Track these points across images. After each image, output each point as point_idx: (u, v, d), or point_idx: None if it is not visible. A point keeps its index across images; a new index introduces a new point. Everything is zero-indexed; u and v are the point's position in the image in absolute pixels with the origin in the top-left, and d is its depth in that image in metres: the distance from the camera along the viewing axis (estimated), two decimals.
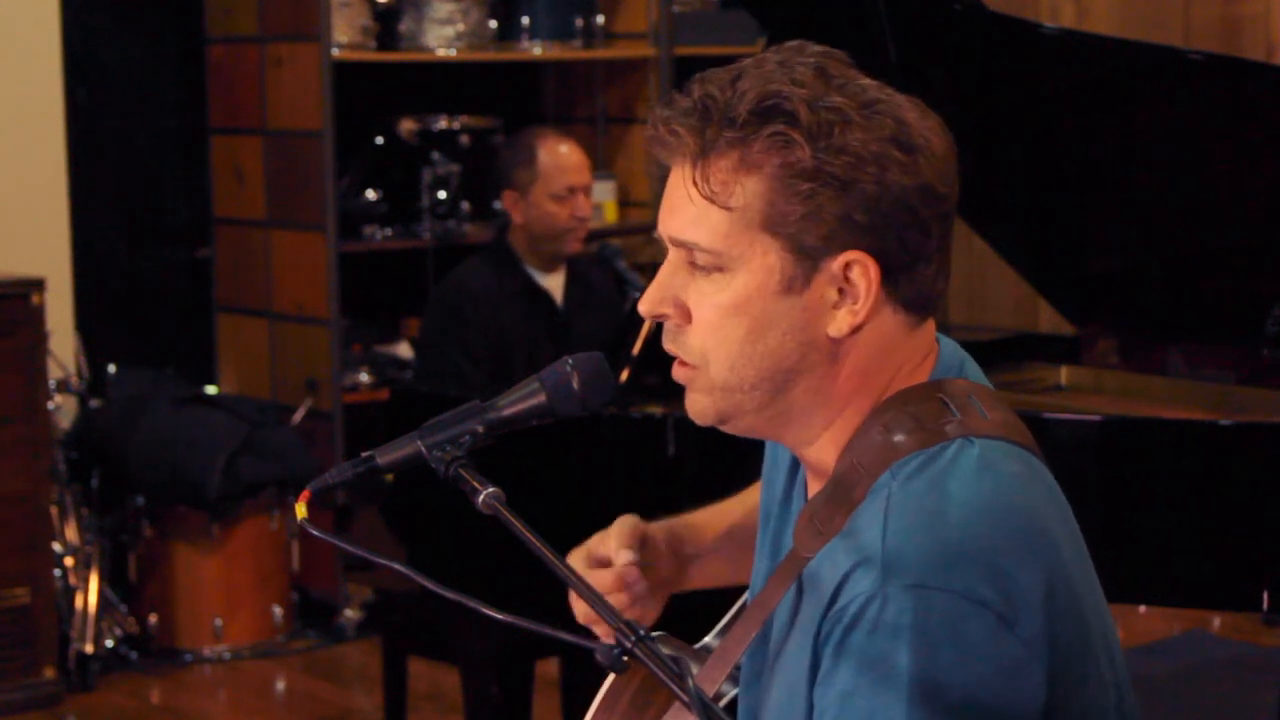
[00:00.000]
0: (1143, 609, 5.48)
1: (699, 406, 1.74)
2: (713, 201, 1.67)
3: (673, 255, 1.72)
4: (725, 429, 1.75)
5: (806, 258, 1.66)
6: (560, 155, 4.68)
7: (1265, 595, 3.20)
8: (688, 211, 1.69)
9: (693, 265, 1.70)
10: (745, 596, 1.97)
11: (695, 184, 1.67)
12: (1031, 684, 1.60)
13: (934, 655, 1.57)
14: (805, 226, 1.65)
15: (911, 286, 1.69)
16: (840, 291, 1.67)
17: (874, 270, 1.66)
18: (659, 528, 2.08)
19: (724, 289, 1.68)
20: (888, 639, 1.58)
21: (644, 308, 1.74)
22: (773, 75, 1.67)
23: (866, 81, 1.69)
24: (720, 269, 1.68)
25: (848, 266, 1.66)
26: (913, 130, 1.67)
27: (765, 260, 1.67)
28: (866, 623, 1.59)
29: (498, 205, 4.75)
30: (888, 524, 1.62)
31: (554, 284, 4.69)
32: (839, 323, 1.68)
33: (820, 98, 1.65)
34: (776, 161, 1.65)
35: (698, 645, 2.01)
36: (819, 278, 1.67)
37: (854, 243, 1.66)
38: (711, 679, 1.77)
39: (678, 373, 1.74)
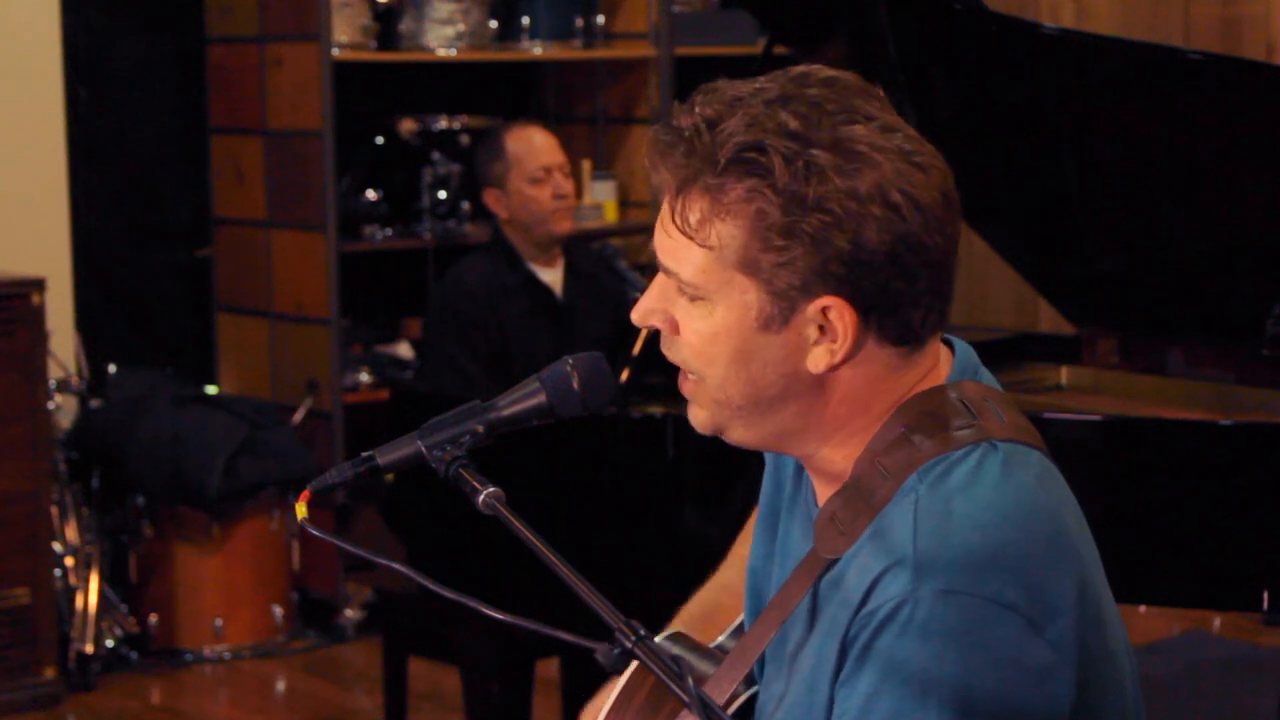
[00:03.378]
0: (1143, 609, 5.48)
1: (698, 418, 1.76)
2: (691, 238, 1.67)
3: (662, 273, 1.74)
4: (725, 439, 1.76)
5: (784, 299, 1.66)
6: (528, 140, 4.69)
7: (1265, 595, 3.20)
8: (668, 242, 1.70)
9: (678, 288, 1.71)
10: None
11: (674, 219, 1.68)
12: (1060, 688, 1.61)
13: (962, 660, 1.58)
14: (780, 274, 1.65)
15: (897, 327, 1.69)
16: (821, 329, 1.67)
17: (850, 315, 1.66)
18: None
19: (705, 318, 1.70)
20: (916, 642, 1.59)
21: (635, 316, 1.76)
22: (760, 118, 1.64)
23: (858, 129, 1.65)
24: (701, 299, 1.69)
25: (825, 310, 1.66)
26: (895, 185, 1.64)
27: (744, 298, 1.67)
28: (896, 625, 1.60)
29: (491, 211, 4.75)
30: (918, 527, 1.63)
31: (553, 277, 4.69)
32: (817, 360, 1.68)
33: (802, 150, 1.63)
34: (750, 211, 1.64)
35: (712, 645, 2.01)
36: (797, 318, 1.67)
37: (830, 289, 1.65)
38: (731, 678, 1.77)
39: (683, 386, 1.76)
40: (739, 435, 1.74)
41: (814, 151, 1.63)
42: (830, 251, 1.63)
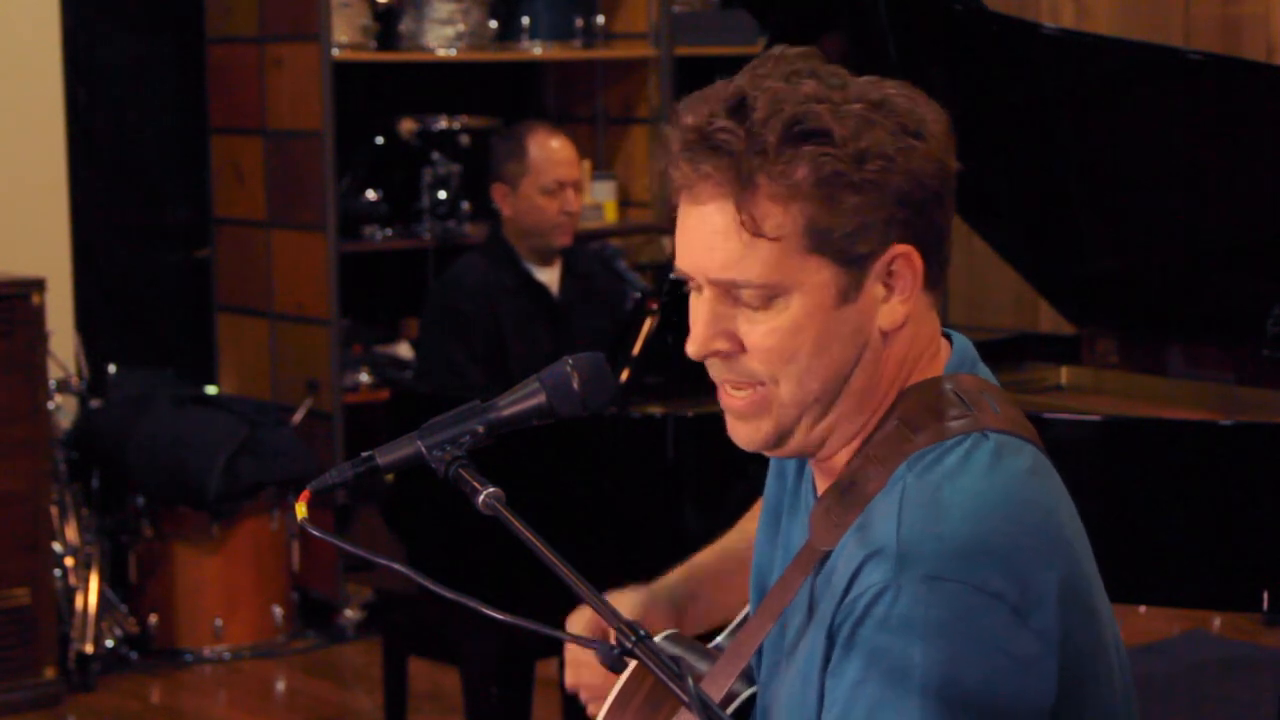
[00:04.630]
0: (1143, 609, 5.48)
1: (761, 431, 1.72)
2: (758, 235, 1.65)
3: (709, 292, 1.70)
4: (775, 453, 1.75)
5: (856, 266, 1.67)
6: (550, 149, 4.69)
7: (1265, 595, 3.20)
8: (728, 250, 1.67)
9: (737, 298, 1.69)
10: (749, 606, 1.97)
11: (742, 223, 1.65)
12: (1043, 678, 1.61)
13: (945, 647, 1.58)
14: (853, 238, 1.66)
15: (937, 266, 1.73)
16: (885, 285, 1.69)
17: (917, 259, 1.69)
18: (640, 600, 2.04)
19: (780, 314, 1.68)
20: (899, 630, 1.59)
21: (694, 350, 1.71)
22: (783, 95, 1.65)
23: (859, 78, 1.71)
24: (773, 298, 1.67)
25: (892, 260, 1.68)
26: (917, 115, 1.69)
27: (818, 278, 1.67)
28: (878, 614, 1.60)
29: (495, 204, 4.76)
30: (902, 517, 1.63)
31: (550, 277, 4.70)
32: (892, 315, 1.70)
33: (838, 108, 1.65)
34: (819, 179, 1.64)
35: (711, 645, 2.01)
36: (868, 281, 1.69)
37: (898, 238, 1.68)
38: (727, 673, 1.78)
39: (734, 402, 1.72)
40: (799, 439, 1.72)
41: (849, 106, 1.66)
42: (893, 195, 1.66)
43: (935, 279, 1.73)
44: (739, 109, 1.66)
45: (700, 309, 1.71)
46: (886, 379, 1.72)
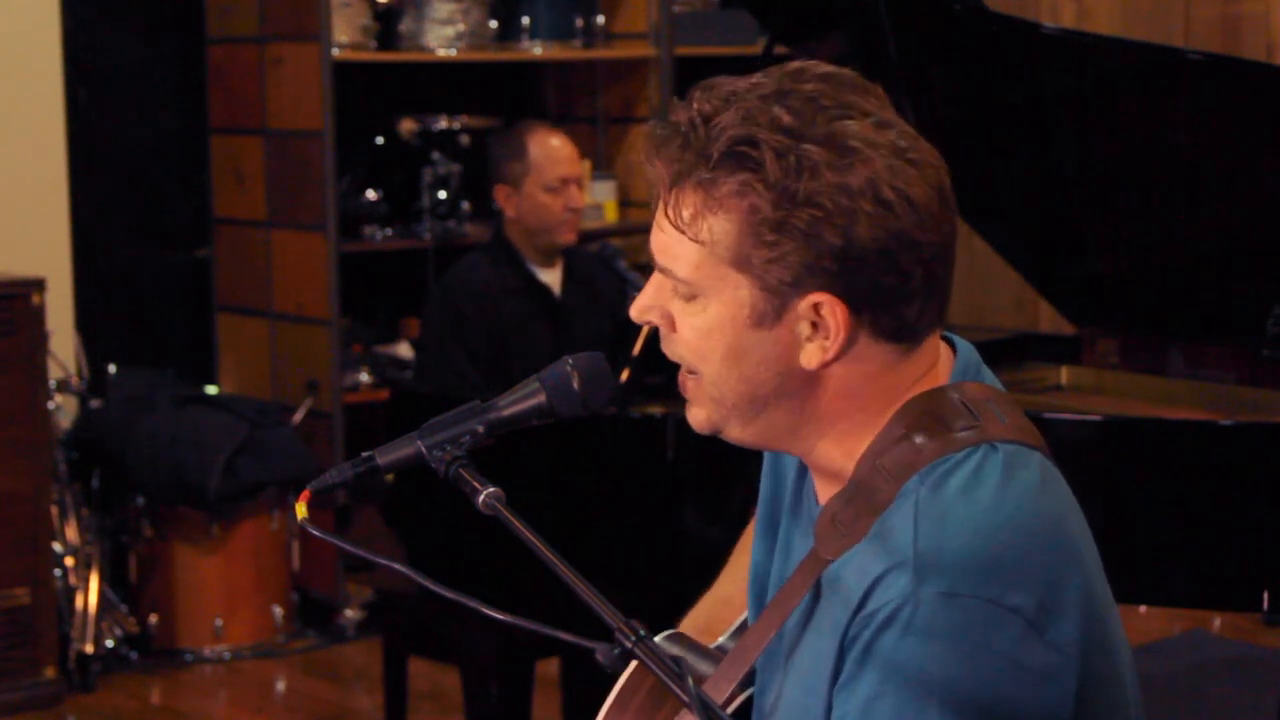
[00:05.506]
0: (1143, 609, 5.48)
1: (697, 418, 1.76)
2: (683, 233, 1.68)
3: (658, 271, 1.74)
4: (723, 438, 1.76)
5: (776, 295, 1.66)
6: (551, 147, 4.71)
7: (1265, 595, 3.20)
8: (663, 238, 1.71)
9: (673, 287, 1.72)
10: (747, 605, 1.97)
11: (667, 213, 1.69)
12: (1061, 690, 1.61)
13: (963, 662, 1.58)
14: (771, 270, 1.65)
15: (892, 322, 1.68)
16: (814, 325, 1.67)
17: (841, 312, 1.65)
18: None
19: (698, 314, 1.70)
20: (918, 644, 1.58)
21: (633, 313, 1.76)
22: (754, 112, 1.64)
23: (851, 124, 1.64)
24: (695, 295, 1.69)
25: (817, 306, 1.66)
26: (888, 181, 1.63)
27: (736, 294, 1.67)
28: (897, 627, 1.59)
29: (497, 206, 4.77)
30: (919, 529, 1.62)
31: (552, 278, 4.70)
32: (810, 356, 1.68)
33: (794, 145, 1.63)
34: (743, 206, 1.64)
35: (713, 645, 2.01)
36: (789, 314, 1.67)
37: (822, 286, 1.65)
38: (729, 678, 1.77)
39: (683, 386, 1.76)
40: (736, 434, 1.75)
41: (806, 146, 1.63)
42: (821, 247, 1.63)
43: (893, 334, 1.68)
44: (717, 113, 1.66)
45: (650, 280, 1.75)
46: (832, 409, 1.70)
